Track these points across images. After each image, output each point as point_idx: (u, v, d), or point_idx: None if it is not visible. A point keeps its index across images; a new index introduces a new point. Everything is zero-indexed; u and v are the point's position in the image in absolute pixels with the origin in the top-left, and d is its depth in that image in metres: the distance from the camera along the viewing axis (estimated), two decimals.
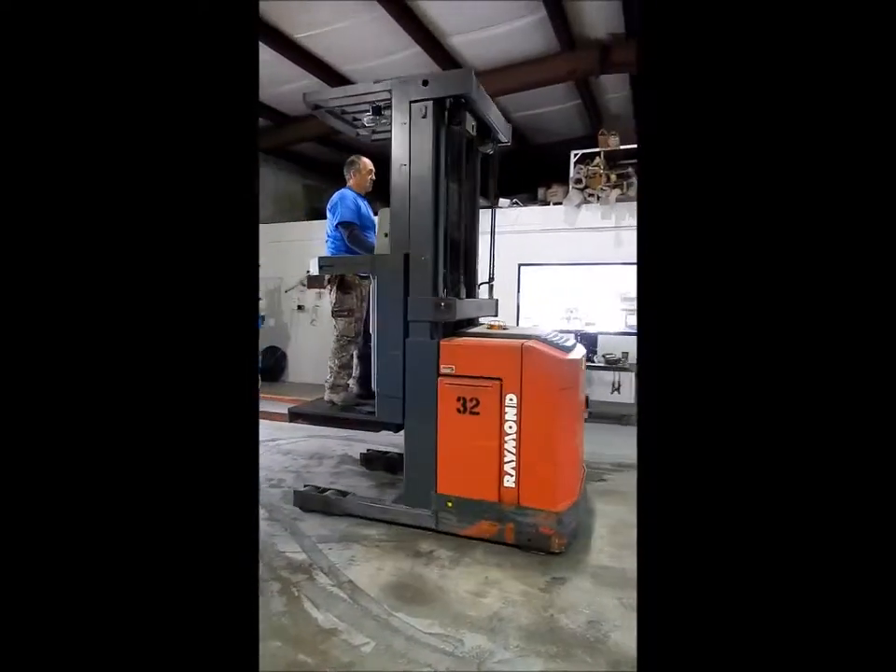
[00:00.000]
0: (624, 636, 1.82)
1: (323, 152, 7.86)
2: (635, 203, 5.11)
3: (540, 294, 5.57)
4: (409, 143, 2.54)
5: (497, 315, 3.31)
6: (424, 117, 2.51)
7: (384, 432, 2.97)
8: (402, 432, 2.71)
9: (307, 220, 7.61)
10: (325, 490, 2.87)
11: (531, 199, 6.18)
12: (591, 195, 5.16)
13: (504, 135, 3.11)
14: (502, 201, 5.67)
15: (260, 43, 4.94)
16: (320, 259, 3.01)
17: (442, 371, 2.51)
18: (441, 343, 2.54)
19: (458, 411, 2.46)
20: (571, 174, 5.34)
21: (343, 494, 2.82)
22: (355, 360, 3.34)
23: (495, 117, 2.90)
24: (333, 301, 3.18)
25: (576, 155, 5.36)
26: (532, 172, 7.22)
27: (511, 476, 2.39)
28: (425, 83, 2.50)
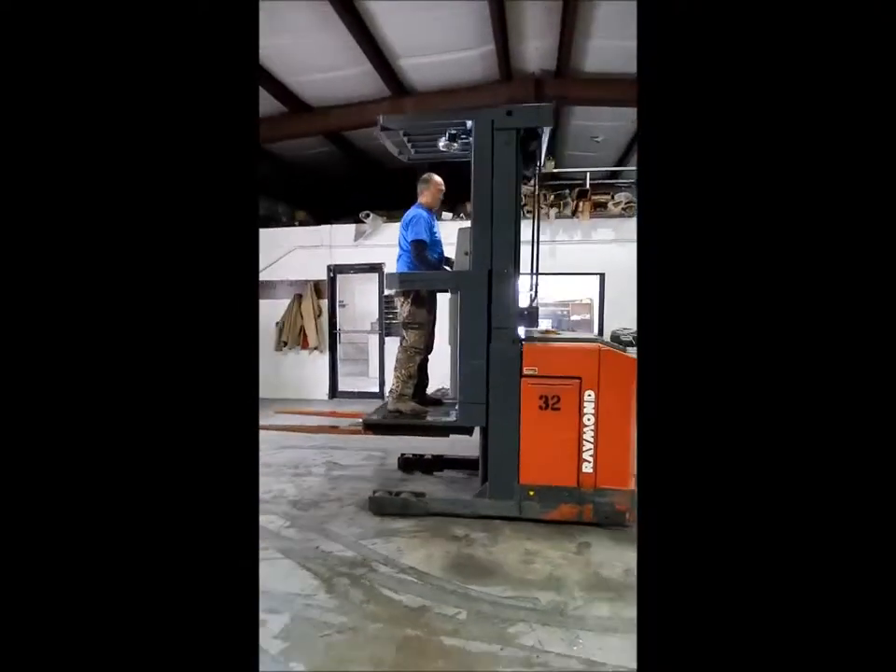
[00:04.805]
0: None
1: None
2: (568, 220, 5.78)
3: None
4: (491, 167, 2.75)
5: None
6: (507, 143, 2.74)
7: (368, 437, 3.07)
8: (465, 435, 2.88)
9: None
10: (399, 493, 2.96)
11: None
12: (529, 212, 5.71)
13: (542, 161, 3.36)
14: (446, 214, 6.02)
15: None
16: (401, 275, 3.14)
17: (526, 372, 2.75)
18: (525, 346, 2.78)
19: (540, 408, 2.72)
20: None
21: (419, 495, 2.94)
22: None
23: (545, 144, 3.13)
24: (406, 314, 3.20)
25: None
26: (456, 187, 7.72)
27: (589, 462, 2.70)
28: (509, 113, 2.76)
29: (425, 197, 3.41)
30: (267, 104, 5.95)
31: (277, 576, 2.22)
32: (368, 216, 6.01)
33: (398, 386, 3.23)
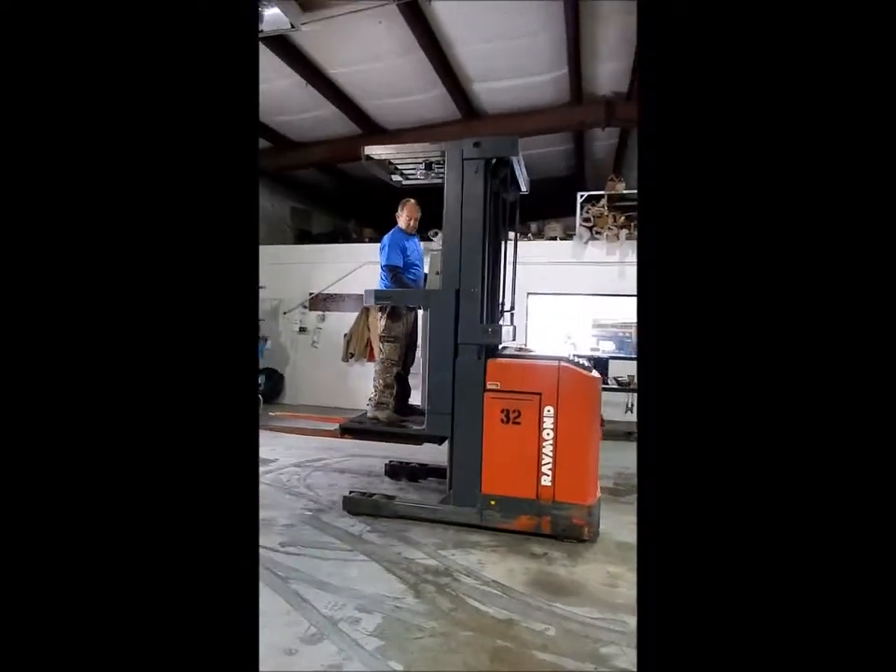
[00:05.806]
0: None
1: (317, 177, 8.01)
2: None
3: (545, 321, 6.10)
4: (461, 194, 2.91)
5: (515, 339, 3.62)
6: (476, 172, 2.89)
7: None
8: (435, 444, 3.04)
9: (295, 244, 7.68)
10: (371, 495, 3.13)
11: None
12: (598, 233, 5.70)
13: (524, 186, 3.40)
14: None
15: (290, 70, 5.11)
16: (376, 291, 3.36)
17: (489, 386, 2.87)
18: (489, 362, 2.90)
19: (502, 421, 2.83)
20: (578, 213, 5.87)
21: (390, 497, 3.11)
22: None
23: (521, 171, 3.23)
24: (382, 328, 3.43)
25: (582, 196, 5.91)
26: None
27: (548, 476, 2.76)
28: (476, 144, 2.90)
29: (400, 221, 3.60)
30: (344, 125, 6.28)
31: (365, 577, 2.30)
32: (436, 234, 6.17)
33: (376, 396, 3.45)
